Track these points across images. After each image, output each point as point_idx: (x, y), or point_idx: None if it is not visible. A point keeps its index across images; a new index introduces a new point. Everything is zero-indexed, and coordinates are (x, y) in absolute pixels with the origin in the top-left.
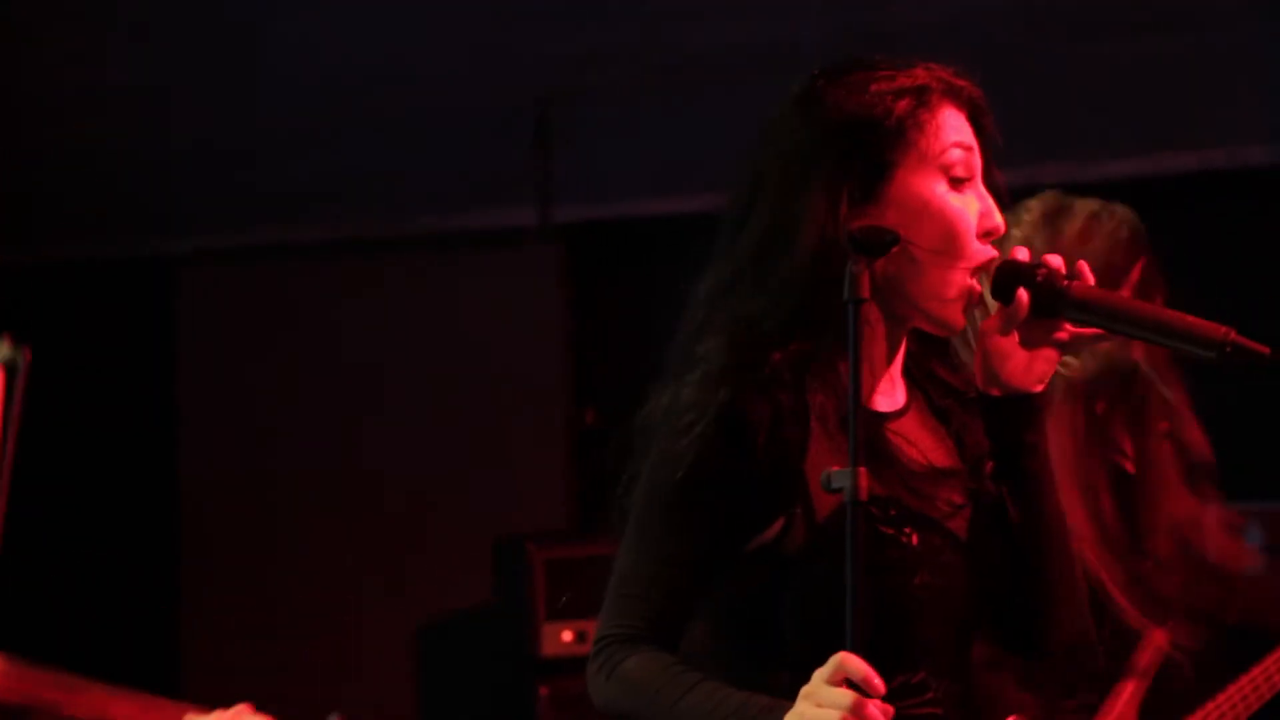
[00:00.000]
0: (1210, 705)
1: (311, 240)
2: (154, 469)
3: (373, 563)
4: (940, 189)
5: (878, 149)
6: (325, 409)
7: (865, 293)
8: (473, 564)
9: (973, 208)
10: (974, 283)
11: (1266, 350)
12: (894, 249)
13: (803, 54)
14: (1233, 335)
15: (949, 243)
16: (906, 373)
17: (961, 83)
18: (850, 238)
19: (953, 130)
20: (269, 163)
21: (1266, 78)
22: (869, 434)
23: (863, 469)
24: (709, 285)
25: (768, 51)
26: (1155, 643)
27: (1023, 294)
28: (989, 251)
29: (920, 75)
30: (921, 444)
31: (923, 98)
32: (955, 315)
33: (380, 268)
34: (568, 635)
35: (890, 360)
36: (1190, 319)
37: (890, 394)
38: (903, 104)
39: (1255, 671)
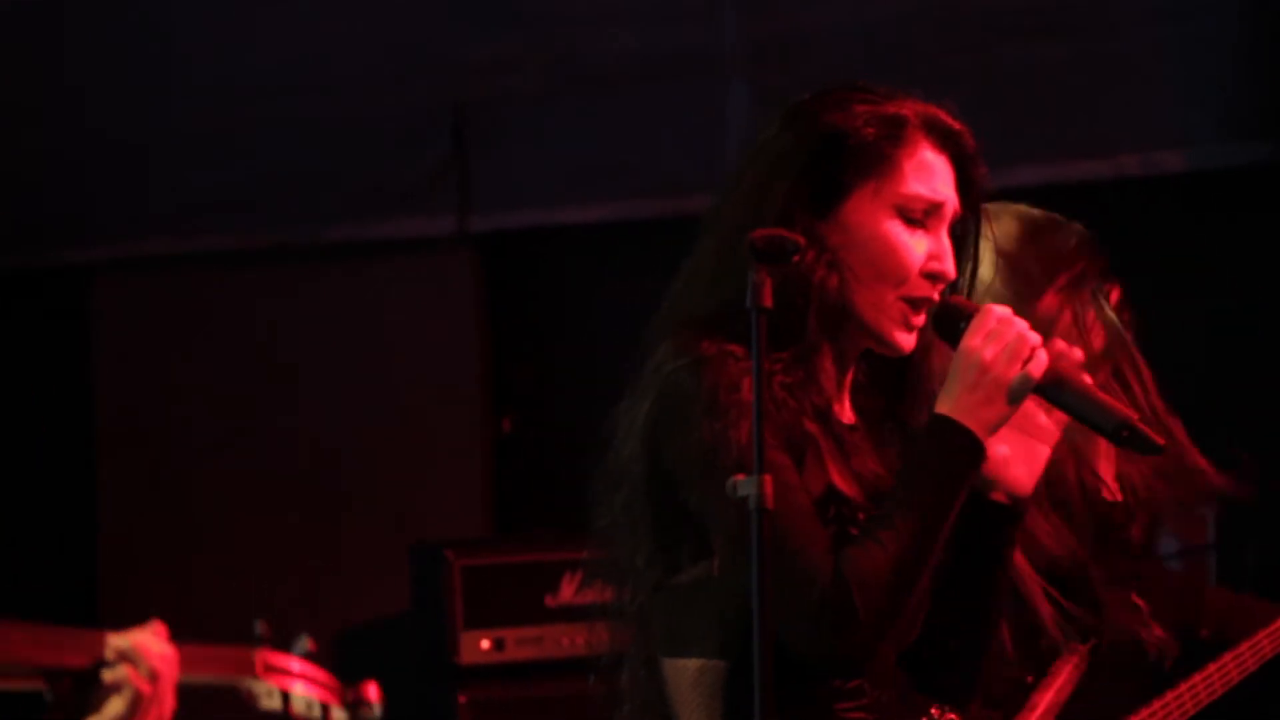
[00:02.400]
0: (1145, 711)
1: (227, 247)
2: (72, 477)
3: (290, 570)
4: (891, 224)
5: (838, 168)
6: (242, 416)
7: (767, 301)
8: (389, 571)
9: (921, 247)
10: (909, 309)
11: (1162, 441)
12: (836, 266)
13: (720, 61)
14: (1133, 420)
15: (886, 272)
16: (853, 395)
17: (952, 126)
18: (750, 246)
19: (922, 176)
20: (184, 169)
21: (1181, 83)
22: (840, 440)
23: (768, 477)
24: (677, 283)
25: (684, 58)
26: (1076, 657)
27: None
28: (928, 289)
29: (902, 107)
30: (874, 461)
31: (893, 129)
32: (894, 334)
33: (297, 275)
34: (486, 643)
35: (843, 376)
36: (1101, 395)
37: (846, 410)
38: (871, 130)
39: (1195, 678)
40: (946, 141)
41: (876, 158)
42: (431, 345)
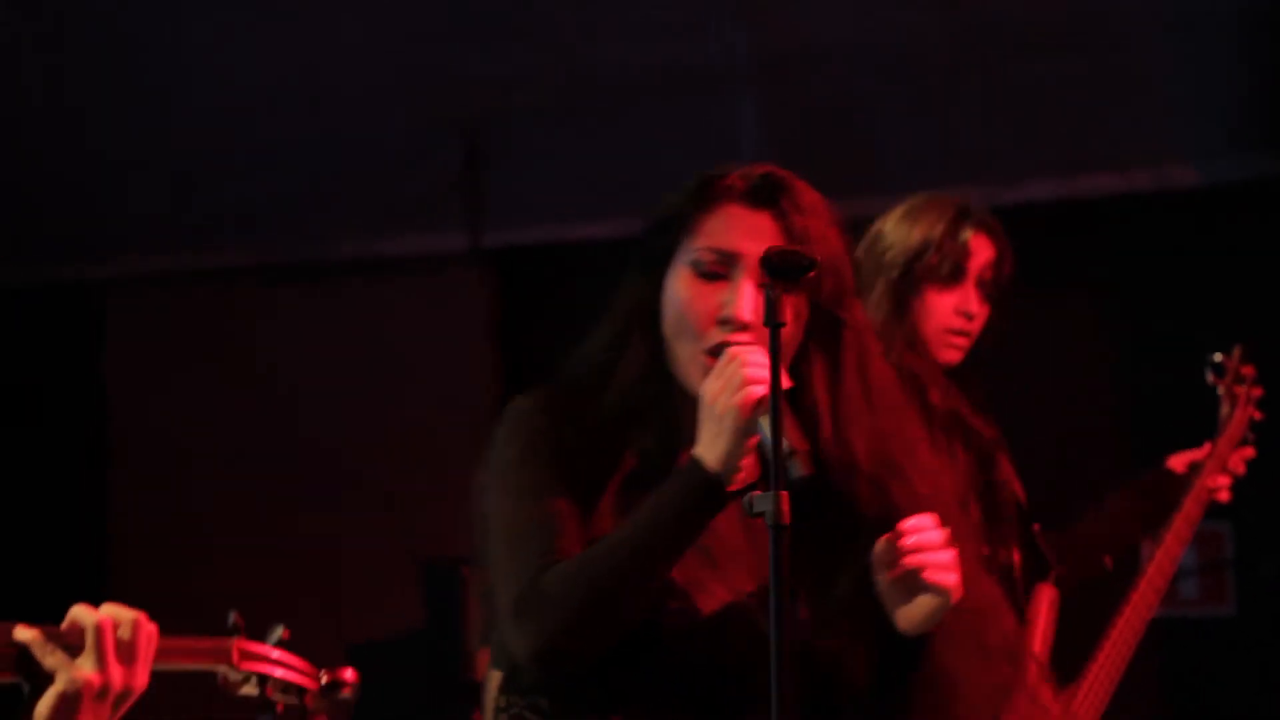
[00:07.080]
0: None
1: (241, 264)
2: (85, 491)
3: (304, 586)
4: (686, 280)
5: (661, 241)
6: (255, 431)
7: (785, 317)
8: (403, 588)
9: (712, 300)
10: (714, 360)
11: (808, 474)
12: (646, 329)
13: (730, 77)
14: (796, 451)
15: (681, 327)
16: None
17: (761, 182)
18: (765, 260)
19: (717, 230)
20: (197, 187)
21: (1193, 97)
22: (629, 497)
23: (785, 493)
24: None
25: (694, 74)
26: (1047, 595)
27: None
28: (722, 337)
29: (724, 173)
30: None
31: (701, 194)
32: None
33: (310, 292)
34: None
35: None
36: (787, 427)
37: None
38: (683, 199)
39: (1125, 611)
40: (760, 197)
41: (682, 223)
42: (443, 361)
